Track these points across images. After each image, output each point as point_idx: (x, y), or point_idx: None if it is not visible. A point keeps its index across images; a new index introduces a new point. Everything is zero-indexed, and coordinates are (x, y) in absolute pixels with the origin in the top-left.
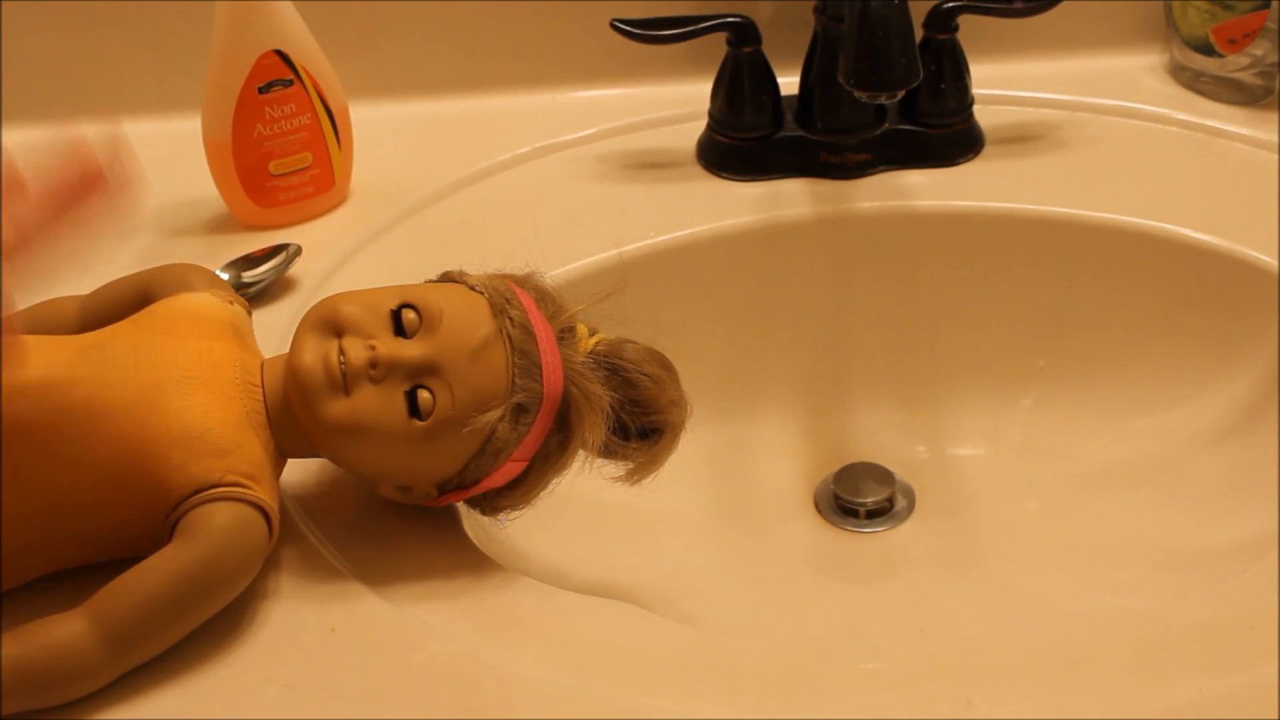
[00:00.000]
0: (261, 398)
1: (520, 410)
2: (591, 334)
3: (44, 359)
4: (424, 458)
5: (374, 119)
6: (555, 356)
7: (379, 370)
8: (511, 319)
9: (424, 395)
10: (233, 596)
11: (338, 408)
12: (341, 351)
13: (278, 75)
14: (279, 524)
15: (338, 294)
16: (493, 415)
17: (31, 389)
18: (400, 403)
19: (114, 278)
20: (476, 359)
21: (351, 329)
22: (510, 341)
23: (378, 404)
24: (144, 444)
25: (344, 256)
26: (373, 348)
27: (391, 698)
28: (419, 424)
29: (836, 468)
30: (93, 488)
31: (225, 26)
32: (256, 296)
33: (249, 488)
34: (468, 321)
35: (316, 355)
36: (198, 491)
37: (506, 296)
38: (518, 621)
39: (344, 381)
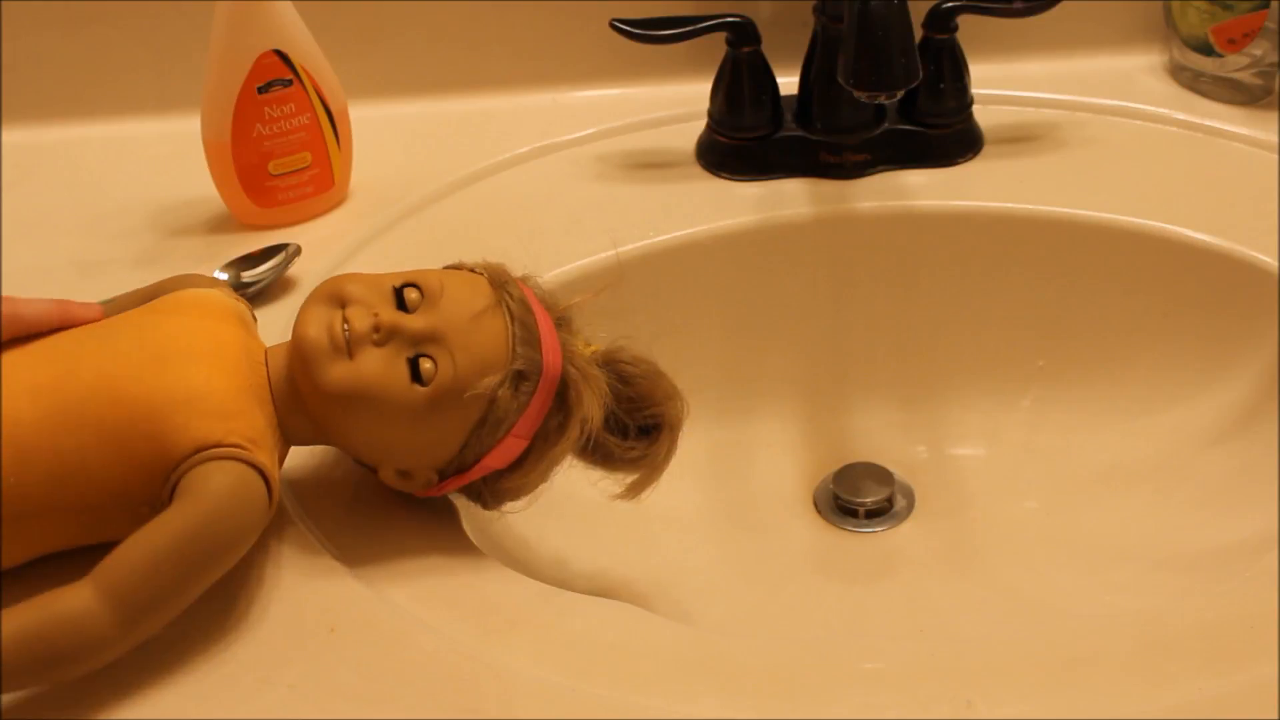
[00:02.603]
0: (265, 377)
1: (520, 377)
2: (587, 345)
3: (51, 336)
4: (427, 428)
5: (374, 119)
6: (553, 336)
7: (381, 334)
8: (510, 293)
9: (425, 363)
10: (236, 558)
11: (340, 370)
12: (345, 319)
13: (277, 75)
14: (278, 497)
15: (343, 273)
16: (493, 380)
17: (39, 355)
18: (403, 369)
19: (116, 278)
20: (477, 326)
21: (355, 301)
22: (510, 311)
23: (380, 368)
24: (148, 405)
25: (343, 256)
26: (376, 314)
27: (391, 697)
28: (421, 390)
29: (836, 468)
30: (96, 451)
31: (225, 26)
32: (256, 296)
33: (249, 450)
34: (468, 293)
35: (321, 324)
36: (198, 451)
37: (505, 275)
38: (517, 621)
39: (347, 346)
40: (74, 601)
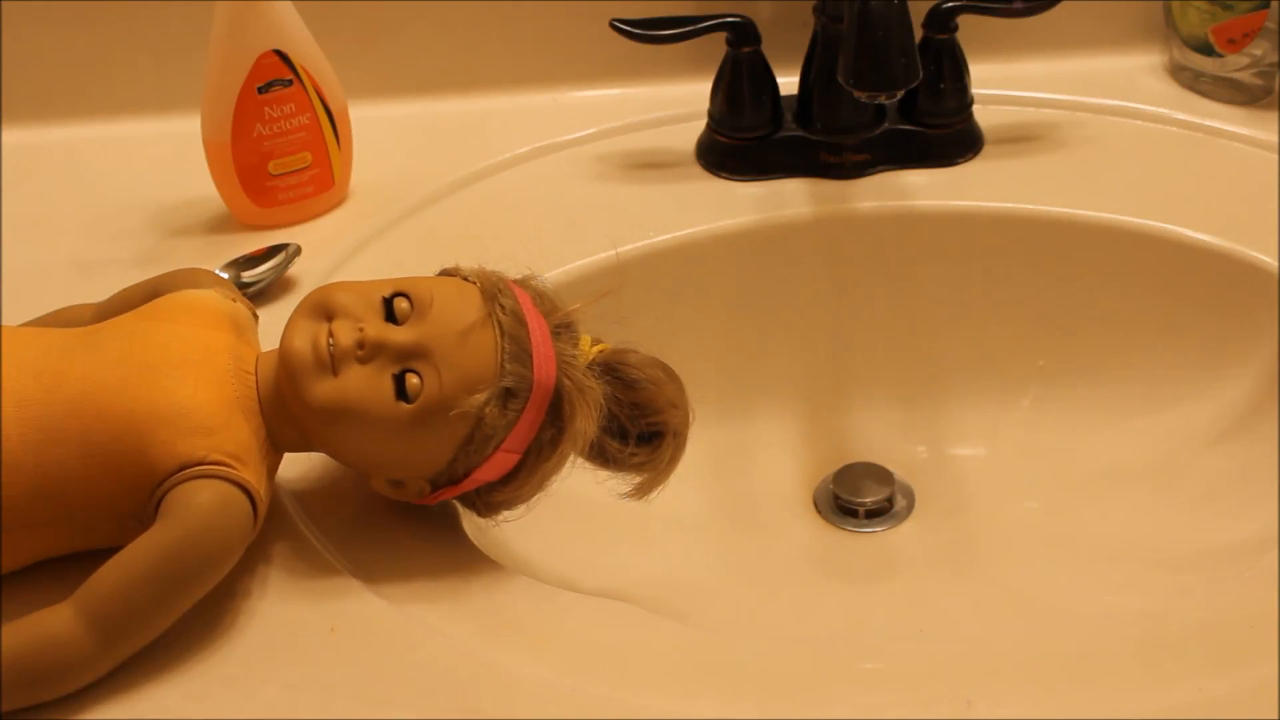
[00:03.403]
0: (254, 385)
1: (509, 395)
2: (595, 344)
3: (43, 343)
4: (413, 443)
5: (374, 119)
6: (548, 348)
7: (366, 350)
8: (503, 305)
9: (411, 379)
10: (218, 577)
11: (324, 388)
12: (330, 334)
13: (277, 75)
14: (265, 508)
15: (333, 283)
16: (480, 398)
17: (27, 367)
18: (387, 385)
19: (116, 278)
20: (465, 342)
21: (342, 314)
22: (500, 327)
23: (364, 385)
24: (131, 420)
25: (343, 256)
26: (361, 329)
27: (391, 697)
28: (406, 406)
29: (836, 468)
30: (81, 465)
31: (225, 26)
32: (256, 296)
33: (232, 467)
34: (458, 306)
35: (306, 338)
36: (181, 469)
37: (499, 286)
38: (517, 621)
39: (331, 363)
40: (54, 623)
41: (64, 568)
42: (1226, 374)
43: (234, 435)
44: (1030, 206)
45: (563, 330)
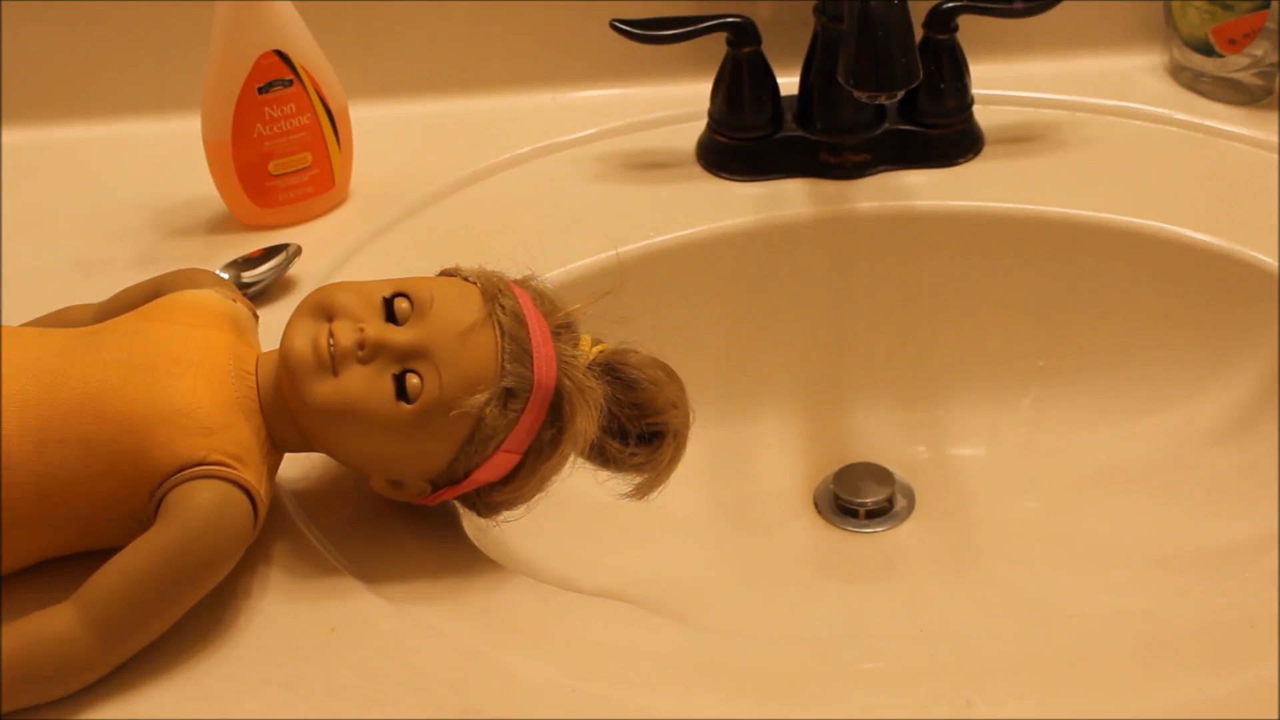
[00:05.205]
0: (255, 385)
1: (509, 395)
2: (595, 344)
3: (43, 343)
4: (413, 444)
5: (374, 119)
6: (549, 348)
7: (366, 351)
8: (503, 306)
9: (412, 379)
10: (219, 577)
11: (324, 388)
12: (331, 334)
13: (277, 75)
14: (266, 508)
15: (333, 283)
16: (480, 398)
17: (28, 367)
18: (388, 385)
19: (116, 278)
20: (465, 342)
21: (343, 314)
22: (500, 327)
23: (365, 385)
24: (132, 421)
25: (344, 256)
26: (361, 330)
27: (391, 697)
28: (406, 407)
29: (836, 468)
30: (81, 465)
31: (225, 26)
32: (256, 296)
33: (233, 467)
34: (458, 306)
35: (306, 339)
36: (181, 469)
37: (499, 286)
38: (517, 621)
39: (332, 363)
40: (55, 624)
41: (64, 568)
42: (1226, 374)
43: (234, 435)
44: (1030, 206)
45: (563, 330)
